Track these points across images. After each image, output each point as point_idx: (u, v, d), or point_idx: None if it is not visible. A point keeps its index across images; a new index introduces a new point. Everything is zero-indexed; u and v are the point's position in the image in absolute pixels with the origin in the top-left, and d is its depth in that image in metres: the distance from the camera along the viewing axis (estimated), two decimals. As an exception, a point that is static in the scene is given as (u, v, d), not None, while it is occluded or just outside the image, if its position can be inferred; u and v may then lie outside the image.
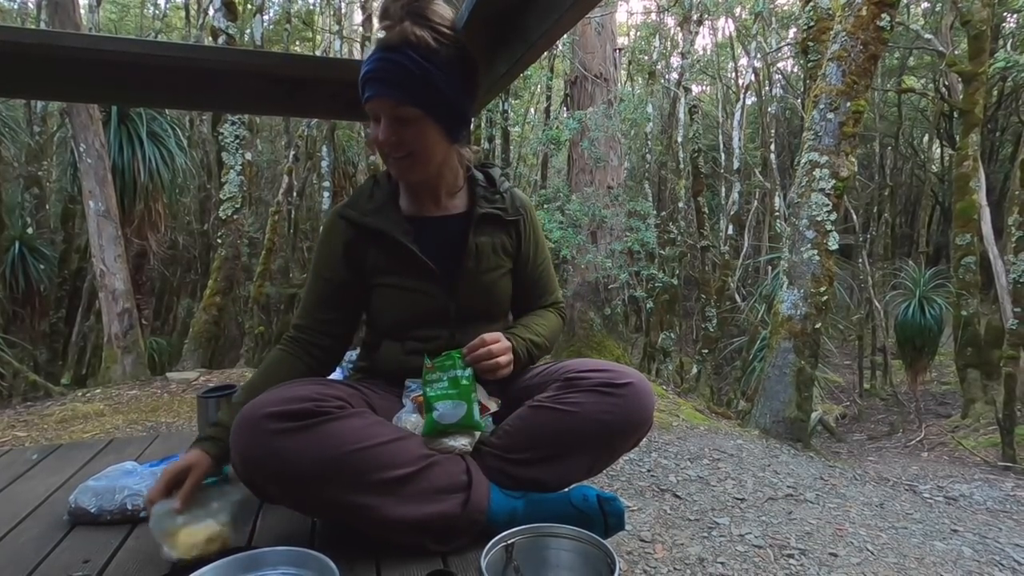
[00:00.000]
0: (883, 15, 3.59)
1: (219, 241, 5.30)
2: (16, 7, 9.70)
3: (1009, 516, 2.91)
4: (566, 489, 1.03)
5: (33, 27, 8.58)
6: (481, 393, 1.06)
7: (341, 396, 0.93)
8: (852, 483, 3.12)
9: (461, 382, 0.98)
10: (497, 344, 1.03)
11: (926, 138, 13.17)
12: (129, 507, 1.07)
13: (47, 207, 7.64)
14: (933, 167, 12.86)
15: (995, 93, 10.22)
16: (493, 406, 1.07)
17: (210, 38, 5.91)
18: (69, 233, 6.80)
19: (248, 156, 5.27)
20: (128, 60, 1.32)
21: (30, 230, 6.54)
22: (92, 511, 1.07)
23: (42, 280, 5.97)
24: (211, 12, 5.58)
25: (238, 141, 4.98)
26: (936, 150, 12.95)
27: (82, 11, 5.95)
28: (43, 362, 6.43)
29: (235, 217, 5.08)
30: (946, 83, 9.13)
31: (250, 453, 0.86)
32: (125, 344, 4.26)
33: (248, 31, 7.61)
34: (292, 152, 7.60)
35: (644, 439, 1.09)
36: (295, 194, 8.68)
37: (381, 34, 0.99)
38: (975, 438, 6.14)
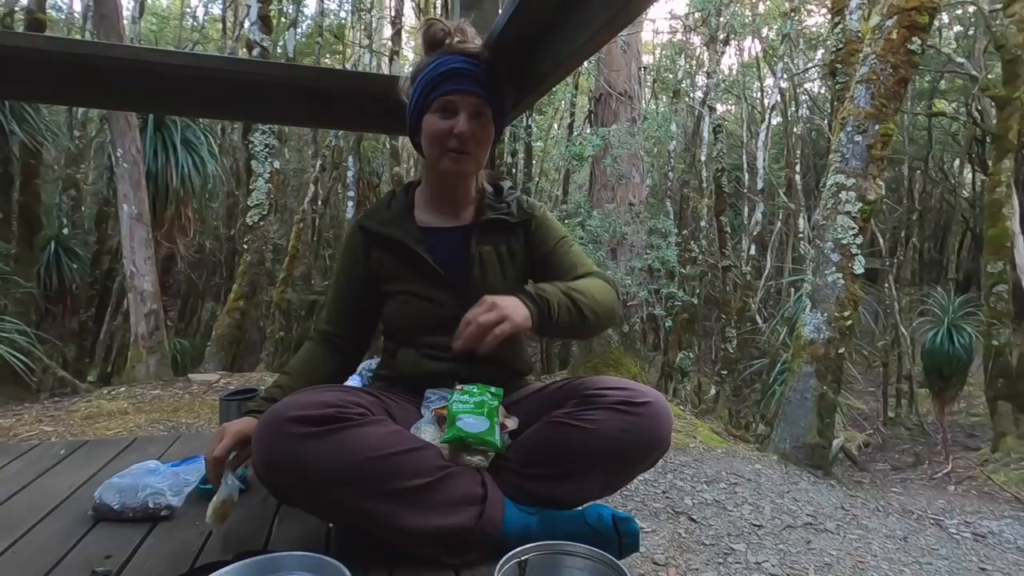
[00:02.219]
0: (914, 39, 3.56)
1: (245, 247, 5.42)
2: (64, 17, 10.13)
3: (1041, 556, 2.79)
4: (581, 507, 1.02)
5: (79, 37, 8.95)
6: (500, 411, 1.07)
7: (362, 403, 0.94)
8: (875, 514, 3.03)
9: (487, 404, 1.02)
10: (477, 311, 0.92)
11: (957, 162, 12.90)
12: (151, 505, 1.10)
13: (83, 209, 7.90)
14: (964, 192, 12.58)
15: (1030, 118, 9.98)
16: (511, 424, 1.07)
17: (245, 50, 6.10)
18: (102, 235, 7.02)
19: (276, 164, 5.39)
20: (169, 71, 1.38)
21: (66, 230, 6.77)
22: (115, 507, 1.09)
23: (75, 279, 6.15)
24: (247, 25, 5.76)
25: (267, 150, 5.10)
26: (967, 175, 12.68)
27: (125, 22, 6.19)
28: (71, 359, 6.60)
29: (261, 224, 5.19)
30: (979, 107, 8.97)
31: (271, 456, 0.87)
32: (150, 344, 4.36)
33: (281, 43, 7.84)
34: (319, 162, 7.76)
35: (660, 460, 1.07)
36: (320, 203, 8.85)
37: (415, 43, 1.05)
38: (1006, 473, 5.91)
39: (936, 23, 9.48)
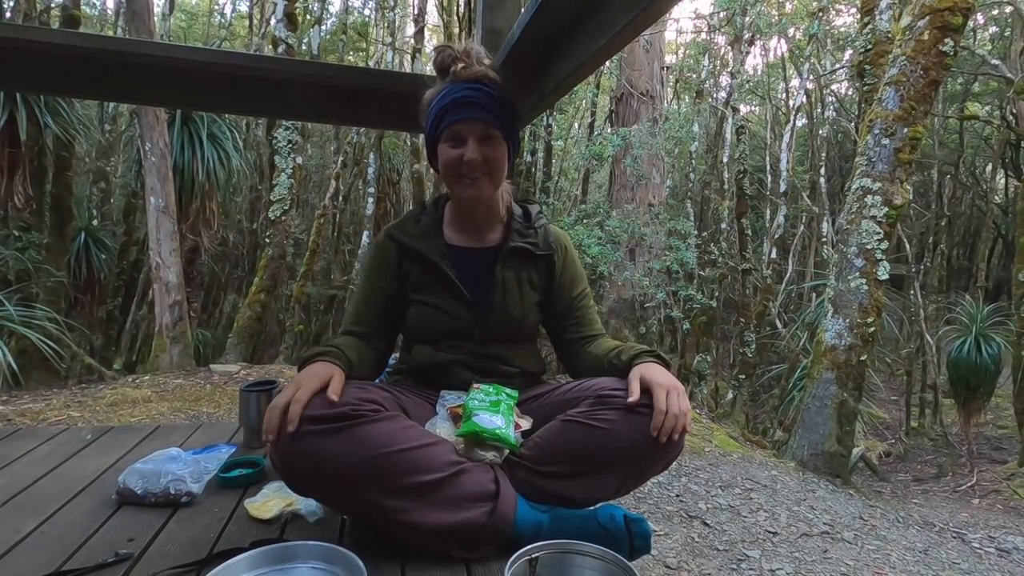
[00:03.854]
0: (946, 40, 3.47)
1: (267, 241, 5.51)
2: (97, 13, 10.38)
3: (1068, 575, 2.71)
4: (593, 507, 1.02)
5: (111, 33, 9.18)
6: (515, 411, 1.09)
7: (376, 400, 0.96)
8: (894, 525, 2.97)
9: (503, 403, 1.05)
10: (680, 412, 0.97)
11: (989, 167, 12.53)
12: (172, 491, 1.13)
13: (112, 201, 8.10)
14: (996, 198, 12.22)
15: (1068, 123, 9.64)
16: (525, 424, 1.08)
17: (271, 46, 6.19)
18: (130, 226, 7.18)
19: (299, 160, 5.46)
20: (197, 68, 1.41)
21: (95, 222, 6.95)
22: (138, 492, 1.12)
23: (103, 269, 6.31)
24: (273, 22, 5.84)
25: (290, 146, 5.18)
26: (1000, 180, 12.31)
27: (155, 18, 6.33)
28: (98, 347, 6.78)
29: (283, 218, 5.27)
30: (1013, 111, 8.70)
31: (289, 451, 0.89)
32: (174, 335, 4.45)
33: (306, 40, 7.93)
34: (340, 158, 7.84)
35: (674, 463, 1.08)
36: (341, 198, 8.94)
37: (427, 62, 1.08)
38: (1033, 488, 5.75)
39: (970, 24, 9.22)
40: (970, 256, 12.93)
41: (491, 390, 1.08)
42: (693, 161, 8.71)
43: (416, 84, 1.67)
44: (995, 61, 7.38)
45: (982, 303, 7.36)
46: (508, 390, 1.10)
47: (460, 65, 1.11)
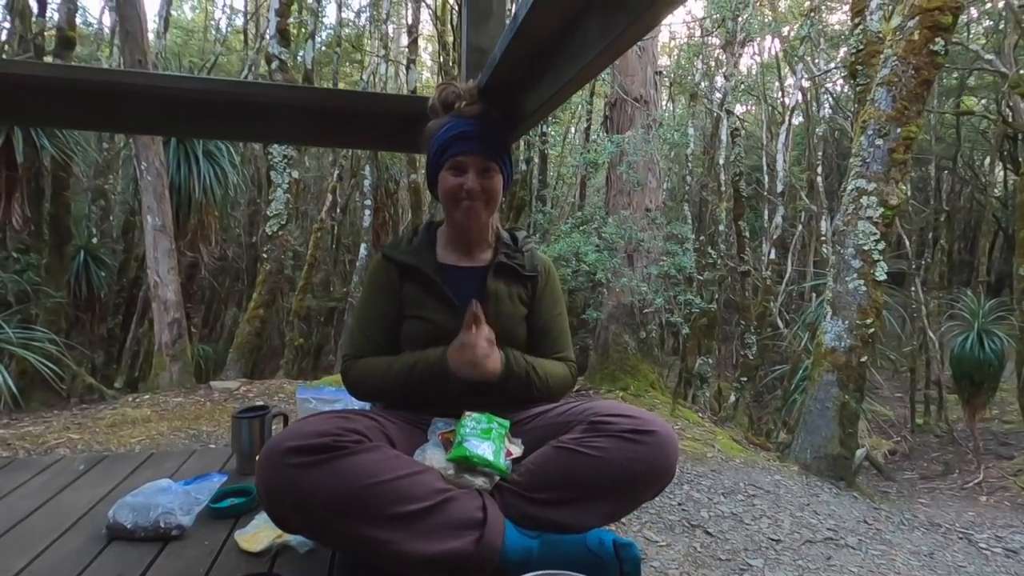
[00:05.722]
0: (937, 39, 3.47)
1: (265, 255, 5.52)
2: (93, 31, 10.44)
3: (1077, 574, 2.68)
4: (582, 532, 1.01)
5: (108, 52, 9.23)
6: (506, 438, 1.09)
7: (359, 430, 0.95)
8: (899, 528, 2.95)
9: (494, 431, 1.06)
10: (482, 336, 1.13)
11: (987, 161, 12.51)
12: (162, 524, 1.12)
13: (111, 218, 8.13)
14: (995, 191, 12.19)
15: (1065, 115, 9.62)
16: (516, 450, 1.08)
17: (264, 62, 6.22)
18: (129, 243, 7.21)
19: (295, 174, 5.48)
20: (182, 96, 1.41)
21: (95, 240, 6.97)
22: (128, 526, 1.12)
23: (103, 287, 6.32)
24: (267, 38, 5.88)
25: (286, 160, 5.19)
26: (999, 174, 12.29)
27: (151, 36, 6.37)
28: (100, 364, 6.79)
29: (280, 233, 5.28)
30: (1009, 104, 8.69)
31: (271, 485, 0.89)
32: (173, 352, 4.46)
33: (301, 55, 7.97)
34: (336, 171, 7.86)
35: (676, 471, 1.09)
36: (338, 210, 8.96)
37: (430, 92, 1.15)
38: (1041, 483, 5.70)
39: (964, 18, 9.22)
40: (971, 251, 12.89)
41: (483, 419, 1.08)
42: (690, 164, 8.72)
43: (405, 105, 1.69)
44: (989, 56, 7.38)
45: (984, 298, 7.32)
46: (500, 419, 1.11)
47: (463, 103, 1.21)
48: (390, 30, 9.87)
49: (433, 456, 1.05)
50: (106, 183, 7.90)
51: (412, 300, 1.24)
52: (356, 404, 1.39)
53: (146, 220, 4.55)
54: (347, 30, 10.75)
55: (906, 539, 2.78)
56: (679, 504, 2.81)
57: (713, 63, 9.18)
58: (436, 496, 0.94)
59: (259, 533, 1.09)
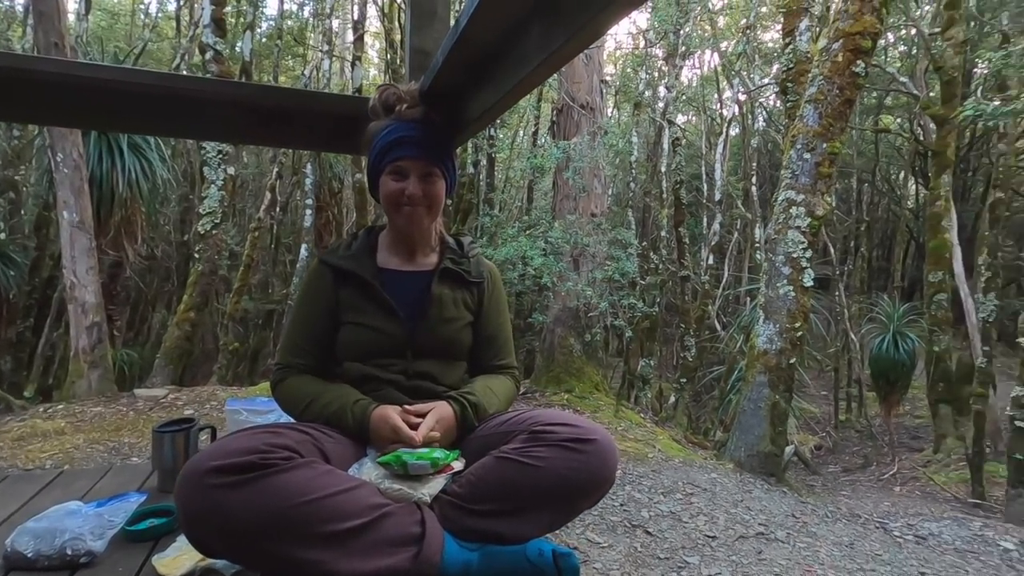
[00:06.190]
0: (858, 61, 3.71)
1: (197, 255, 5.23)
2: (3, 9, 9.59)
3: (976, 557, 2.92)
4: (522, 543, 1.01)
5: (20, 32, 8.51)
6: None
7: (289, 446, 0.91)
8: (823, 520, 3.12)
9: (435, 452, 1.05)
10: (436, 431, 1.09)
11: (902, 175, 13.56)
12: (69, 552, 1.03)
13: (22, 213, 7.49)
14: (909, 203, 13.21)
15: (967, 135, 10.58)
16: (458, 465, 1.06)
17: (198, 52, 5.91)
18: (42, 241, 6.66)
19: (231, 171, 5.22)
20: (102, 86, 1.31)
21: (3, 235, 6.40)
22: (28, 555, 1.02)
23: (12, 287, 5.82)
24: (201, 26, 5.58)
25: (221, 156, 4.94)
26: (912, 187, 13.33)
27: (71, 17, 5.92)
28: (7, 371, 6.23)
29: (214, 232, 5.02)
30: (920, 124, 9.44)
31: (191, 508, 0.84)
32: (92, 359, 4.15)
33: (239, 46, 7.63)
34: (276, 168, 7.57)
35: (618, 471, 1.11)
36: (278, 209, 8.62)
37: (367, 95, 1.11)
38: (946, 473, 6.22)
39: (882, 42, 9.95)
40: (888, 258, 13.91)
41: (423, 453, 1.05)
42: (634, 171, 8.96)
43: (345, 105, 1.63)
44: (903, 78, 7.99)
45: (898, 302, 7.93)
46: (449, 452, 1.09)
47: (405, 105, 1.19)
48: (335, 25, 9.60)
49: (371, 471, 1.02)
50: (16, 174, 7.27)
51: (350, 306, 1.20)
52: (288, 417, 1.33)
53: (62, 216, 4.21)
54: (289, 22, 10.37)
55: (830, 531, 2.95)
56: (621, 505, 2.86)
57: (656, 74, 9.49)
58: (372, 512, 0.91)
59: (180, 557, 1.02)
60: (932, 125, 7.66)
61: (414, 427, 1.07)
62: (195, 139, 4.83)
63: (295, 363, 1.21)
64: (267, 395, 2.06)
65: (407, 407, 1.11)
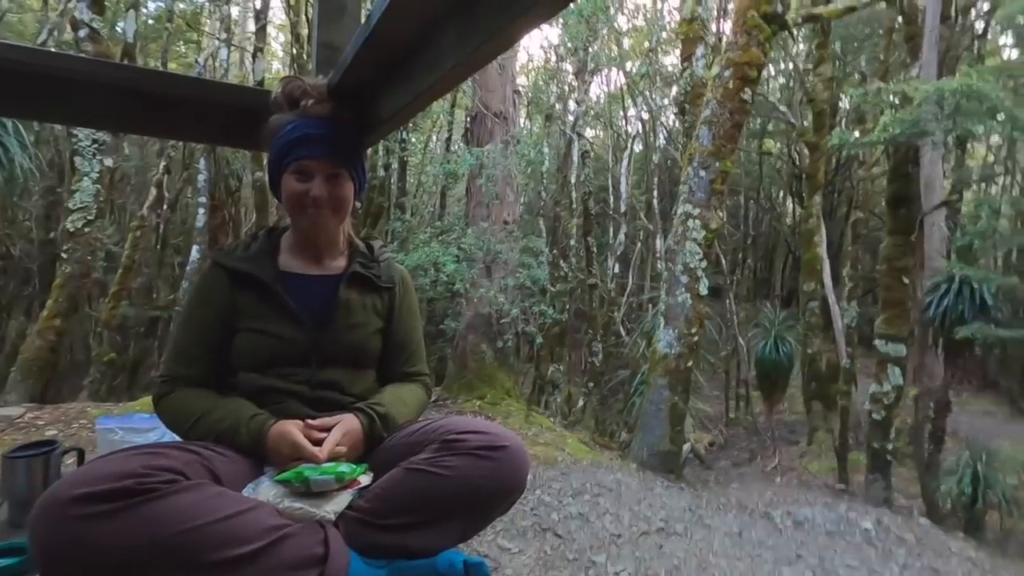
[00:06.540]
0: (746, 89, 4.07)
1: (65, 255, 4.64)
2: None
3: (842, 537, 3.28)
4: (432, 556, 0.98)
5: None
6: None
7: (173, 467, 0.82)
8: (716, 513, 3.35)
9: (341, 466, 0.99)
10: (342, 446, 1.04)
11: (781, 194, 15.05)
12: None
13: None
14: (787, 220, 14.68)
15: (834, 161, 11.97)
16: (364, 480, 1.01)
17: (70, 28, 5.28)
18: None
19: (108, 162, 4.70)
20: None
21: None
22: None
23: None
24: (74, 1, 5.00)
25: (96, 146, 4.43)
26: (789, 206, 14.82)
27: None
28: None
29: (87, 230, 4.49)
30: (797, 149, 10.54)
31: (49, 543, 0.72)
32: (-75, 374, 3.54)
33: (121, 25, 6.92)
34: (164, 162, 6.93)
35: (529, 475, 1.11)
36: (165, 207, 7.89)
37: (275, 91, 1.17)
38: (818, 463, 6.93)
39: (765, 73, 11.00)
40: (770, 269, 15.35)
41: (328, 469, 0.99)
42: (544, 181, 9.19)
43: (243, 96, 1.52)
44: (783, 108, 8.88)
45: (779, 309, 8.77)
46: (357, 466, 1.03)
47: (311, 100, 1.12)
48: (235, 12, 9.00)
49: (269, 490, 0.95)
50: None
51: (247, 311, 1.12)
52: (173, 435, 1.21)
53: None
54: (182, 5, 9.57)
55: (722, 522, 3.17)
56: (531, 509, 2.90)
57: (567, 88, 9.82)
58: (269, 535, 0.84)
59: None
60: (806, 151, 8.57)
61: (318, 443, 1.00)
62: (63, 124, 4.29)
63: (183, 374, 1.11)
64: (148, 411, 1.86)
65: (310, 421, 1.04)
